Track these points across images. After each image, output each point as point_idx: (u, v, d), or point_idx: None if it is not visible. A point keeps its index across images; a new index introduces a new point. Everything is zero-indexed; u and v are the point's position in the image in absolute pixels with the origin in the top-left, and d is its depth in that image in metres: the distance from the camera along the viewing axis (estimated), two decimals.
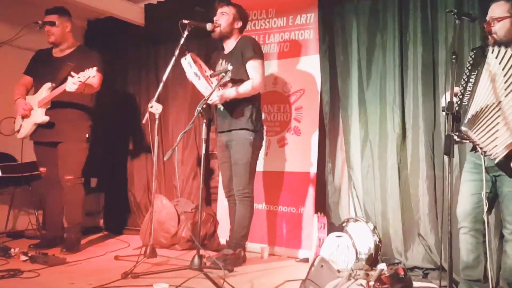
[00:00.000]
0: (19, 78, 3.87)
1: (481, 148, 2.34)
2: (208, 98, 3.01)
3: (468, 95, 2.38)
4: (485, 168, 2.38)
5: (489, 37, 2.46)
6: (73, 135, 3.68)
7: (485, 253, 2.45)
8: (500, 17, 2.41)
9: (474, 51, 2.46)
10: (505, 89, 2.29)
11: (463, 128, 2.35)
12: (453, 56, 2.32)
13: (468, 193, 2.51)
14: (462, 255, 2.55)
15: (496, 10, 2.45)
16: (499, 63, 2.31)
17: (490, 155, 2.30)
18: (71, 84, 3.38)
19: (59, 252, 3.45)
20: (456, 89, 2.45)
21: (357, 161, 3.58)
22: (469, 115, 2.35)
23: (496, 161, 2.30)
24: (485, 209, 2.40)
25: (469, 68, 2.41)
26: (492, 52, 2.35)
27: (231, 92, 3.24)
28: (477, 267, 2.49)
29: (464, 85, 2.40)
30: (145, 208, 4.68)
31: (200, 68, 3.25)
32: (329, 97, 3.73)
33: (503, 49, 2.32)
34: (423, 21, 3.34)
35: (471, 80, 2.39)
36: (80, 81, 3.37)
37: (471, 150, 2.57)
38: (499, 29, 2.43)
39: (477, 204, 2.46)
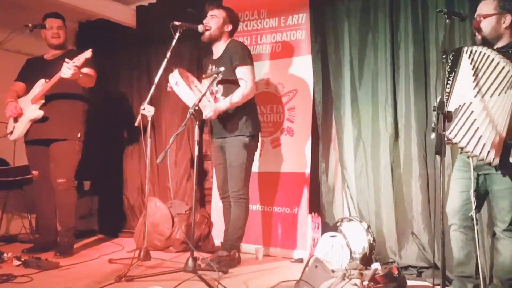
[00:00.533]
0: (9, 81, 3.85)
1: (467, 152, 2.34)
2: (200, 100, 3.00)
3: (446, 98, 2.40)
4: (474, 167, 2.40)
5: (477, 34, 2.48)
6: (67, 133, 3.65)
7: (475, 250, 2.47)
8: (486, 14, 2.45)
9: (453, 52, 2.49)
10: (473, 89, 2.32)
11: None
12: (443, 56, 2.35)
13: (457, 190, 2.52)
14: (454, 252, 2.57)
15: (483, 8, 2.50)
16: (470, 63, 2.37)
17: (483, 159, 2.29)
18: (66, 69, 3.33)
19: (53, 256, 3.42)
20: None
21: (350, 161, 3.58)
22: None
23: (494, 163, 2.29)
24: (473, 206, 2.42)
25: (448, 70, 2.45)
26: (466, 52, 2.40)
27: (224, 104, 3.25)
28: (469, 263, 2.51)
29: (447, 85, 2.42)
30: (139, 211, 4.67)
31: (184, 77, 3.22)
32: (321, 97, 3.74)
33: (475, 48, 2.38)
34: (414, 21, 3.36)
35: (449, 82, 2.43)
36: (76, 66, 3.33)
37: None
38: (485, 27, 2.46)
39: (466, 201, 2.47)
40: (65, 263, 3.26)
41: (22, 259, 3.14)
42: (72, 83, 3.48)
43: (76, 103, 3.73)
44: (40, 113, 3.58)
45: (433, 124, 2.48)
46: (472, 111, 2.32)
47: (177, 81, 3.14)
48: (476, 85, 2.32)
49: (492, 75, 2.29)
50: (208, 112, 3.16)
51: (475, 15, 2.52)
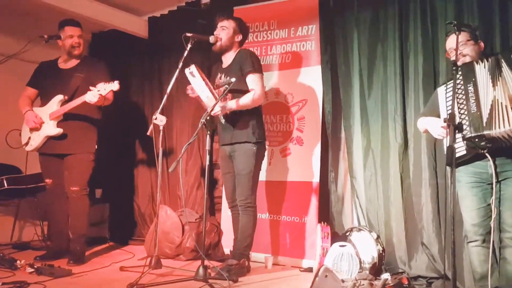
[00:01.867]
0: (24, 91, 3.90)
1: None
2: (212, 110, 3.05)
3: (474, 102, 2.41)
4: (492, 176, 2.41)
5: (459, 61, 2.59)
6: (82, 147, 3.71)
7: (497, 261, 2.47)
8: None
9: (460, 67, 2.51)
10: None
11: (485, 132, 2.35)
12: (453, 68, 2.36)
13: (472, 208, 2.51)
14: (475, 266, 2.54)
15: (452, 41, 2.62)
16: (485, 67, 2.44)
17: None
18: (91, 96, 3.43)
19: (66, 264, 3.46)
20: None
21: (359, 170, 3.60)
22: (484, 119, 2.37)
23: None
24: (493, 216, 2.41)
25: (461, 82, 2.46)
26: (478, 64, 2.47)
27: (232, 104, 3.28)
28: (492, 275, 2.50)
29: (464, 97, 2.43)
30: (150, 219, 4.71)
31: (204, 79, 3.29)
32: (331, 107, 3.77)
33: (485, 59, 2.47)
34: (423, 31, 3.38)
35: (469, 89, 2.44)
36: (101, 94, 3.42)
37: (467, 163, 2.56)
38: (470, 51, 2.61)
39: (484, 217, 2.48)
40: (78, 271, 3.30)
41: (35, 267, 3.17)
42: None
43: (92, 120, 3.80)
44: (60, 131, 3.63)
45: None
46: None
47: (192, 71, 3.20)
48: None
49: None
50: (217, 108, 3.16)
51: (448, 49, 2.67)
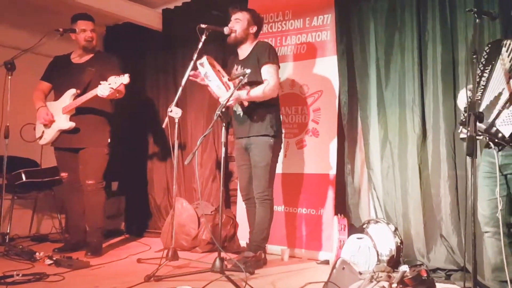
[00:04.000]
0: (37, 85, 3.93)
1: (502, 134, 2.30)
2: (227, 102, 3.03)
3: (482, 90, 2.36)
4: (499, 166, 2.36)
5: None
6: (95, 141, 3.74)
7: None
8: None
9: (489, 45, 2.44)
10: None
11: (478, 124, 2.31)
12: (474, 56, 2.30)
13: (484, 198, 2.47)
14: (489, 257, 2.52)
15: None
16: (508, 56, 2.34)
17: None
18: (103, 90, 3.44)
19: (84, 256, 3.50)
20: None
21: (376, 162, 3.55)
22: (481, 109, 2.33)
23: None
24: (499, 207, 2.36)
25: (483, 62, 2.40)
26: (505, 46, 2.36)
27: (243, 93, 3.25)
28: (505, 268, 2.46)
29: (478, 81, 2.38)
30: (165, 211, 4.73)
31: (215, 69, 3.27)
32: (347, 98, 3.72)
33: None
34: (442, 20, 3.31)
35: (484, 75, 2.39)
36: (112, 88, 3.43)
37: (485, 147, 2.51)
38: None
39: (495, 208, 2.43)
40: (95, 263, 3.33)
41: (54, 259, 3.21)
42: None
43: (104, 113, 3.81)
44: (72, 125, 3.66)
45: (462, 118, 2.43)
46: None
47: (202, 62, 3.19)
48: None
49: None
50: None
51: None
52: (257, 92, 3.26)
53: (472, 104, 2.11)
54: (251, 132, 3.36)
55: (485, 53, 2.42)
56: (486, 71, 2.39)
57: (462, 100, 2.59)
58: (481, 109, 2.32)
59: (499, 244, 2.46)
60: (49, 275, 2.86)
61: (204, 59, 3.22)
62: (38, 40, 3.64)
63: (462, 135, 2.50)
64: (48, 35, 3.66)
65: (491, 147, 2.40)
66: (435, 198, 3.27)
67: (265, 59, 3.31)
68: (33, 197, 4.65)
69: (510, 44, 2.36)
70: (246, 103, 3.33)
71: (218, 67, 3.44)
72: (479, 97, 2.36)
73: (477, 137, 2.30)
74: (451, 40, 3.27)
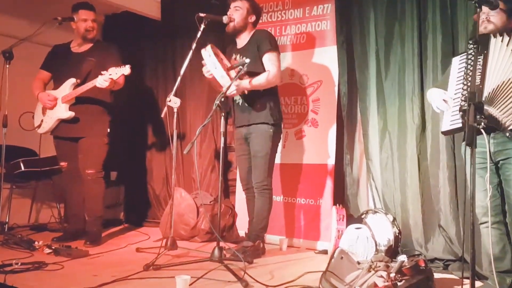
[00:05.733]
0: (37, 74, 3.92)
1: (504, 124, 2.32)
2: (227, 91, 3.02)
3: (479, 75, 2.37)
4: (491, 154, 2.38)
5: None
6: (95, 131, 3.73)
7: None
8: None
9: (474, 39, 2.45)
10: None
11: (485, 107, 2.30)
12: (474, 46, 2.29)
13: (479, 189, 2.48)
14: (487, 248, 2.53)
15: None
16: (507, 45, 2.38)
17: None
18: (102, 81, 3.43)
19: (83, 245, 3.51)
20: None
21: (375, 153, 3.56)
22: (485, 93, 2.36)
23: None
24: (488, 194, 2.37)
25: (473, 53, 2.40)
26: (495, 37, 2.42)
27: (246, 83, 3.25)
28: (504, 258, 2.48)
29: (471, 68, 2.38)
30: (164, 201, 4.73)
31: (219, 58, 3.25)
32: (346, 88, 3.71)
33: (505, 34, 2.41)
34: (442, 9, 3.29)
35: (479, 61, 2.40)
36: (111, 79, 3.42)
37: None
38: (497, 20, 2.52)
39: (493, 197, 2.45)
40: (94, 252, 3.34)
41: (53, 248, 3.22)
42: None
43: (103, 103, 3.80)
44: (71, 115, 3.65)
45: (461, 104, 2.43)
46: None
47: (208, 51, 3.18)
48: None
49: None
50: (232, 87, 3.13)
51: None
52: (260, 80, 3.25)
53: (472, 94, 2.10)
54: (251, 120, 3.35)
55: (472, 46, 2.42)
56: (479, 59, 2.41)
57: (436, 96, 2.61)
58: (485, 94, 2.35)
59: (497, 233, 2.48)
60: (48, 264, 2.87)
61: (208, 47, 3.20)
62: (37, 29, 3.61)
63: (451, 126, 2.50)
64: (47, 24, 3.63)
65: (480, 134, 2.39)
66: (434, 188, 3.28)
67: (266, 46, 3.30)
68: (32, 186, 4.65)
69: (504, 36, 2.40)
70: (246, 92, 3.33)
71: (222, 56, 3.42)
72: (479, 82, 2.37)
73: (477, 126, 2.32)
74: (451, 30, 3.26)
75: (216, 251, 2.86)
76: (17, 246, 3.36)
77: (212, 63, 3.16)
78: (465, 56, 2.47)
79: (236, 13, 3.39)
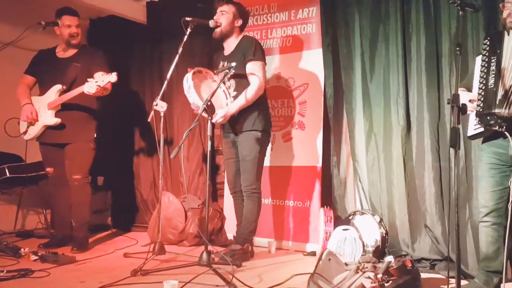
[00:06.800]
0: (22, 78, 3.87)
1: None
2: (212, 94, 3.03)
3: (493, 77, 2.36)
4: (511, 156, 2.37)
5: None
6: (81, 136, 3.71)
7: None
8: None
9: (488, 37, 2.46)
10: None
11: (496, 111, 2.31)
12: (457, 48, 2.32)
13: (487, 189, 2.50)
14: (481, 246, 2.55)
15: None
16: None
17: None
18: (89, 87, 3.41)
19: (69, 251, 3.48)
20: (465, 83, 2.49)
21: (362, 154, 3.58)
22: (499, 96, 2.33)
23: None
24: (511, 199, 2.38)
25: (487, 54, 2.40)
26: (508, 34, 2.38)
27: (235, 105, 3.26)
28: (496, 259, 2.50)
29: (485, 70, 2.38)
30: (152, 205, 4.71)
31: (200, 82, 3.28)
32: (333, 90, 3.73)
33: None
34: (425, 12, 3.33)
35: (492, 63, 2.39)
36: (99, 86, 3.40)
37: (489, 140, 2.52)
38: None
39: (499, 200, 2.46)
40: (81, 258, 3.31)
41: (39, 254, 3.19)
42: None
43: (89, 109, 3.78)
44: (57, 121, 3.62)
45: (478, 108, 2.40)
46: None
47: (188, 83, 3.19)
48: None
49: None
50: (219, 118, 3.18)
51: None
52: (240, 102, 3.25)
53: (455, 96, 2.12)
54: (239, 128, 3.36)
55: (485, 45, 2.43)
56: (492, 60, 2.40)
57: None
58: (499, 97, 2.33)
59: (495, 234, 2.49)
60: (34, 271, 2.84)
61: (189, 75, 3.22)
62: (21, 33, 3.58)
63: (475, 130, 2.48)
64: (31, 29, 3.59)
65: (505, 137, 2.36)
66: (420, 189, 3.31)
67: (249, 55, 3.29)
68: (18, 192, 4.60)
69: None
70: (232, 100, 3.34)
71: (206, 70, 3.42)
72: (492, 85, 2.36)
73: (492, 128, 2.32)
74: (435, 32, 3.30)
75: (204, 255, 2.85)
76: (3, 253, 3.32)
77: (191, 97, 3.19)
78: (486, 54, 2.43)
79: (222, 18, 3.39)
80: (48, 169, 3.84)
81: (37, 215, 4.72)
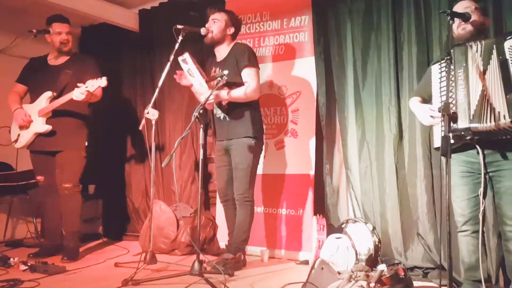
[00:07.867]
0: (13, 87, 3.86)
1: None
2: (205, 102, 3.02)
3: (463, 91, 2.37)
4: (484, 164, 2.38)
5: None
6: (72, 144, 3.69)
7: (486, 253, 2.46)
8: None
9: (452, 50, 2.47)
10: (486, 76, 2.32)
11: (472, 125, 2.30)
12: (448, 57, 2.34)
13: (462, 198, 2.50)
14: (463, 256, 2.55)
15: (460, 7, 2.56)
16: (480, 55, 2.37)
17: None
18: (79, 93, 3.40)
19: (60, 261, 3.44)
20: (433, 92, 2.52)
21: (354, 162, 3.58)
22: (472, 111, 2.32)
23: None
24: (481, 208, 2.41)
25: (451, 67, 2.42)
26: (471, 48, 2.41)
27: (224, 94, 3.26)
28: (479, 267, 2.50)
29: (453, 84, 2.39)
30: (144, 214, 4.68)
31: (196, 66, 3.25)
32: (325, 99, 3.74)
33: (478, 43, 2.40)
34: (416, 21, 3.35)
35: (459, 75, 2.39)
36: (88, 91, 3.39)
37: (459, 151, 2.52)
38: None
39: (474, 207, 2.47)
40: (72, 268, 3.27)
41: (29, 264, 3.15)
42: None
43: (81, 116, 3.76)
44: (48, 128, 3.60)
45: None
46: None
47: (185, 58, 3.17)
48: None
49: None
50: (210, 97, 3.12)
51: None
52: (238, 93, 3.25)
53: (446, 105, 2.14)
54: (231, 135, 3.35)
55: (450, 57, 2.44)
56: (459, 73, 2.41)
57: (422, 112, 2.61)
58: (472, 112, 2.32)
59: (475, 242, 2.50)
60: (23, 281, 2.81)
61: (186, 54, 3.19)
62: (11, 41, 3.56)
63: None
64: (22, 36, 3.58)
65: (474, 149, 2.39)
66: (412, 197, 3.32)
67: (244, 62, 3.30)
68: (7, 201, 4.55)
69: (477, 45, 2.40)
70: (225, 103, 3.32)
71: (197, 65, 3.42)
72: (463, 100, 2.35)
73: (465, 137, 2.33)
74: (426, 41, 3.32)
75: (196, 265, 2.83)
76: None
77: (190, 71, 3.15)
78: (445, 65, 2.43)
79: (214, 26, 3.39)
80: (38, 178, 3.80)
81: (27, 224, 4.66)
